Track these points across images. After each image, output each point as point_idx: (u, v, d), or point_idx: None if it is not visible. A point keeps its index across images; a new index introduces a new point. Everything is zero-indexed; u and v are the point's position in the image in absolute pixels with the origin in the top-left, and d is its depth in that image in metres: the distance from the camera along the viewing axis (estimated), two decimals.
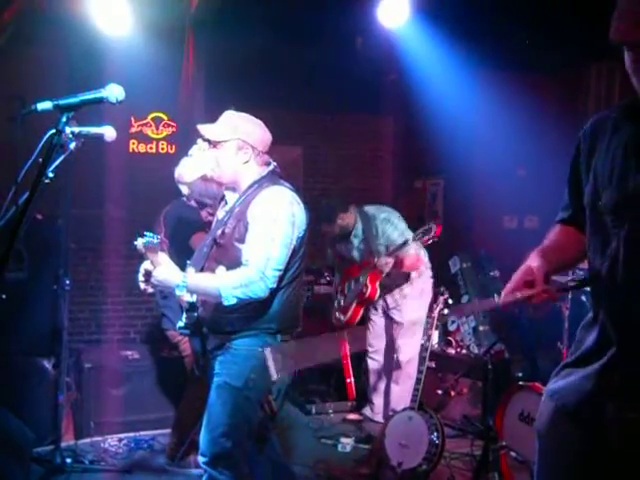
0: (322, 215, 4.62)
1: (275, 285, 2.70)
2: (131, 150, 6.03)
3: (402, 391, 4.62)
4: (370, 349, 4.96)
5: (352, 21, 5.29)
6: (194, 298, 2.75)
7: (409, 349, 4.67)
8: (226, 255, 2.76)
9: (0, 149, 4.59)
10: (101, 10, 4.77)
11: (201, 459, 2.80)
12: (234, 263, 2.71)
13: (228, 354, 2.77)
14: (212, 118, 2.99)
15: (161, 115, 6.12)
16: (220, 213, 2.99)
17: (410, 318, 4.69)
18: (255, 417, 2.82)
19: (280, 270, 2.71)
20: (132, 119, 6.04)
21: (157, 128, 6.14)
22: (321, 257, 5.04)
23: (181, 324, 2.88)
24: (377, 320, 4.89)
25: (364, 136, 6.91)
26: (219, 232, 2.82)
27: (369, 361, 4.97)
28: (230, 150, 2.84)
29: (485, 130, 5.96)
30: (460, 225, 6.26)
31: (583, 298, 4.43)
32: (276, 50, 5.63)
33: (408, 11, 5.03)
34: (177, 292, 2.63)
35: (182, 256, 3.98)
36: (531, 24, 5.07)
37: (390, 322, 4.82)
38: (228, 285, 2.64)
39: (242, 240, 2.72)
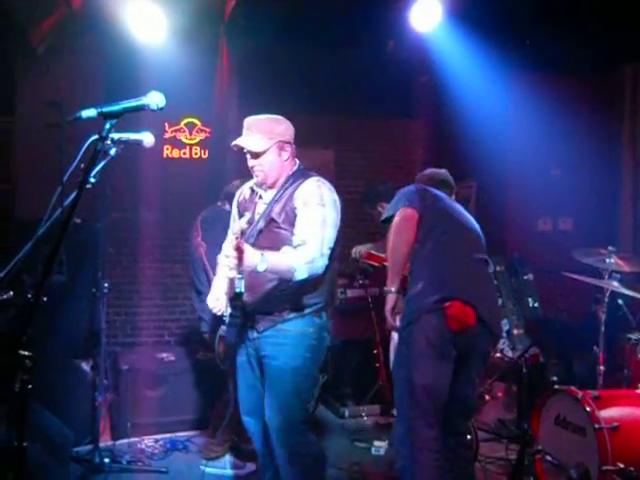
0: (366, 196, 4.74)
1: (328, 262, 2.92)
2: (165, 156, 6.11)
3: None
4: None
5: (384, 25, 5.30)
6: (242, 287, 2.78)
7: None
8: (273, 239, 2.94)
9: (40, 153, 4.75)
10: (136, 18, 4.85)
11: (276, 435, 2.96)
12: (281, 245, 2.89)
13: (280, 336, 2.95)
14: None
15: (194, 120, 6.19)
16: (260, 207, 3.08)
17: None
18: (313, 388, 3.10)
19: (331, 249, 2.94)
20: (166, 125, 6.11)
21: (190, 133, 6.21)
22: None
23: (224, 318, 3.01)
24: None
25: (396, 139, 6.90)
26: (263, 221, 2.99)
27: None
28: (273, 154, 3.01)
29: (518, 132, 5.92)
30: (493, 228, 6.20)
31: (620, 301, 4.38)
32: (308, 54, 5.66)
33: (440, 14, 5.03)
34: (259, 268, 2.69)
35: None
36: (564, 25, 5.03)
37: None
38: (300, 261, 2.82)
39: (289, 224, 2.93)
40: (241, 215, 3.14)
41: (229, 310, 3.05)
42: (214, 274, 4.02)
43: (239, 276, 2.70)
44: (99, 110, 2.00)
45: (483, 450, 4.10)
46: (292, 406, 2.99)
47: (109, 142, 2.07)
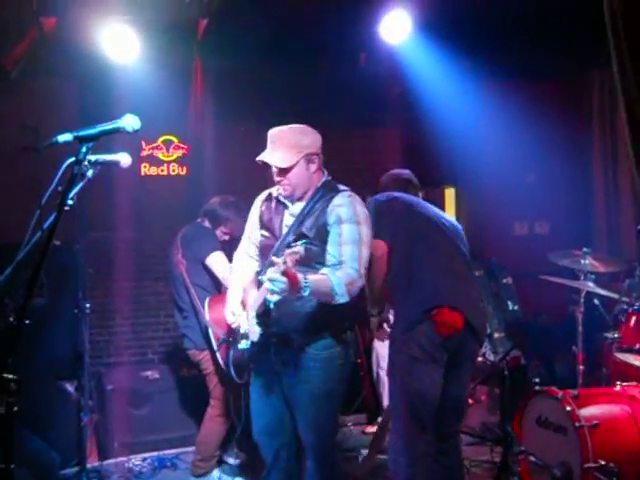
0: (386, 184, 4.76)
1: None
2: (142, 173, 6.11)
3: None
4: (381, 360, 5.00)
5: (355, 38, 5.37)
6: (273, 301, 2.75)
7: None
8: (306, 256, 2.74)
9: (17, 177, 4.75)
10: (109, 39, 4.87)
11: (311, 456, 2.98)
12: (313, 260, 2.81)
13: (310, 360, 2.88)
14: (222, 138, 3.07)
15: (171, 138, 6.20)
16: (287, 219, 2.99)
17: None
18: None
19: (366, 268, 2.88)
20: (143, 142, 6.13)
21: (168, 150, 6.22)
22: None
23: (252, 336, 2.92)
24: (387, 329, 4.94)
25: (372, 149, 6.96)
26: (293, 235, 2.87)
27: (380, 372, 5.01)
28: (301, 168, 2.91)
29: (492, 139, 6.02)
30: (471, 233, 6.29)
31: (596, 301, 4.47)
32: (281, 69, 5.70)
33: (410, 26, 5.10)
34: (303, 293, 2.62)
35: (199, 275, 4.08)
36: (533, 32, 5.13)
37: None
38: (340, 282, 2.74)
39: (320, 240, 2.84)
40: (264, 225, 3.06)
41: (250, 326, 2.94)
42: (195, 291, 4.06)
43: (276, 298, 2.65)
44: (75, 134, 2.03)
45: (468, 453, 4.15)
46: (327, 427, 3.02)
47: (86, 164, 2.09)
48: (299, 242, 2.62)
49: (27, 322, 1.92)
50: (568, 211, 6.26)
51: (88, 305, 4.23)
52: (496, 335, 5.28)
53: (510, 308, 5.37)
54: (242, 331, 3.02)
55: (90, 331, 4.41)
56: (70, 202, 2.06)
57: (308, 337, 2.88)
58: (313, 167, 2.94)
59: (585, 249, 4.17)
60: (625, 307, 4.08)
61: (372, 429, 5.04)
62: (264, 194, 3.17)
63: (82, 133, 2.04)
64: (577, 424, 3.37)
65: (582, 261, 4.12)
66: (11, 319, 2.04)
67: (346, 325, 2.97)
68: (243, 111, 5.65)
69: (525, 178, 6.39)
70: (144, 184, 6.02)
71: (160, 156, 6.19)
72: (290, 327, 2.87)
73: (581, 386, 3.93)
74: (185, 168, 6.21)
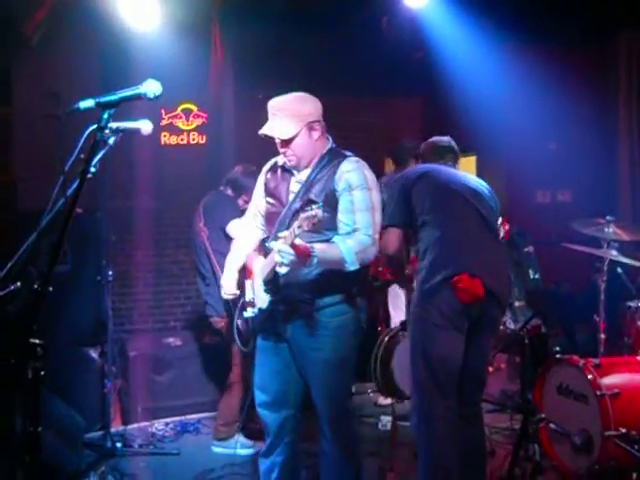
0: (397, 155, 4.91)
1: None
2: (163, 143, 6.11)
3: None
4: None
5: (377, 2, 5.29)
6: (283, 271, 2.72)
7: None
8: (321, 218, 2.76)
9: (40, 145, 4.77)
10: (130, 6, 4.85)
11: (329, 426, 2.97)
12: (322, 226, 2.73)
13: (322, 327, 2.87)
14: (242, 106, 3.03)
15: (190, 106, 6.18)
16: (293, 186, 2.97)
17: None
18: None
19: (378, 233, 2.89)
20: (162, 112, 6.11)
21: (187, 119, 6.21)
22: None
23: (259, 303, 2.92)
24: (399, 292, 4.93)
25: (394, 116, 6.90)
26: (300, 201, 2.85)
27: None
28: (304, 137, 2.88)
29: (515, 105, 5.92)
30: None
31: (619, 270, 4.42)
32: (302, 36, 5.64)
33: None
34: (311, 263, 2.62)
35: (221, 242, 4.11)
36: None
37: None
38: (350, 251, 2.73)
39: (329, 205, 2.79)
40: (269, 193, 3.03)
41: (257, 292, 2.95)
42: (217, 259, 4.08)
43: (285, 269, 2.65)
44: (97, 101, 2.02)
45: (488, 421, 4.14)
46: (342, 394, 3.02)
47: (108, 131, 2.09)
48: (314, 206, 2.56)
49: (50, 289, 1.93)
50: (591, 179, 6.16)
51: (111, 272, 4.28)
52: (517, 304, 5.24)
53: (531, 277, 5.32)
54: (247, 299, 3.03)
55: (112, 299, 4.47)
56: (92, 170, 2.06)
57: (317, 303, 2.86)
58: (316, 134, 2.91)
59: (608, 217, 4.11)
60: None
61: (385, 401, 5.02)
62: (270, 163, 3.15)
63: (104, 99, 2.03)
64: (598, 393, 3.38)
65: (605, 229, 4.07)
66: (35, 286, 2.05)
67: (355, 291, 2.93)
68: (262, 78, 5.60)
69: (548, 146, 6.29)
70: (165, 153, 6.03)
71: (180, 125, 6.18)
72: (298, 293, 2.86)
73: (602, 355, 3.91)
74: (205, 137, 6.20)
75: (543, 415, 3.64)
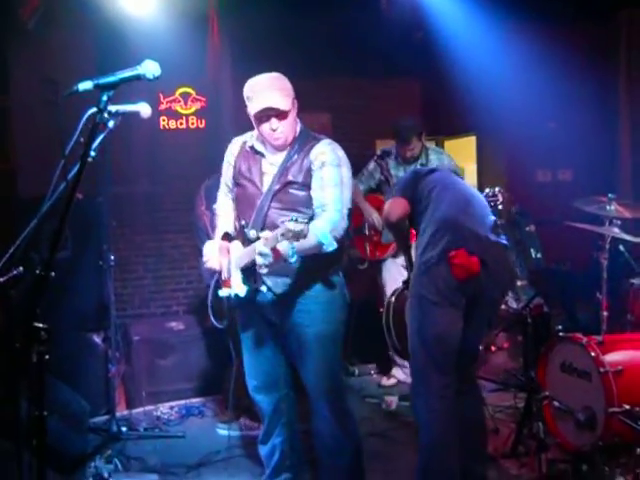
0: (399, 134, 4.78)
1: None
2: (162, 127, 6.08)
3: None
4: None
5: None
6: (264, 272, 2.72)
7: None
8: (290, 201, 2.89)
9: (38, 131, 4.75)
10: None
11: (325, 403, 3.00)
12: (301, 206, 2.86)
13: (310, 303, 2.93)
14: (240, 90, 3.00)
15: (189, 90, 6.14)
16: (265, 167, 3.00)
17: None
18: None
19: (349, 209, 2.95)
20: (160, 96, 6.08)
21: (186, 103, 6.18)
22: None
23: (235, 289, 2.90)
24: (392, 265, 4.93)
25: (393, 98, 6.86)
26: (278, 183, 2.91)
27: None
28: (293, 114, 2.93)
29: (515, 85, 5.89)
30: (493, 182, 6.23)
31: (621, 248, 4.42)
32: (300, 16, 5.59)
33: None
34: (292, 260, 2.62)
35: None
36: None
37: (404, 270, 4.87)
38: (324, 231, 2.72)
39: (306, 186, 2.90)
40: (242, 175, 3.02)
41: (235, 280, 2.93)
42: None
43: (265, 270, 2.66)
44: (95, 82, 2.00)
45: (491, 400, 4.19)
46: (335, 369, 3.06)
47: (107, 114, 2.07)
48: (300, 218, 2.53)
49: (52, 274, 1.93)
50: (592, 158, 6.14)
51: (112, 257, 4.28)
52: (519, 283, 5.24)
53: (533, 256, 5.30)
54: (223, 277, 3.02)
55: (114, 284, 4.48)
56: (93, 154, 2.05)
57: (302, 282, 2.91)
58: (295, 113, 2.96)
59: (610, 195, 4.10)
60: None
61: (388, 382, 5.03)
62: (237, 143, 3.13)
63: (102, 81, 2.01)
64: (602, 370, 3.38)
65: (607, 207, 4.05)
66: (37, 271, 2.05)
67: (336, 266, 3.01)
68: (260, 61, 5.52)
69: (548, 125, 6.27)
70: (164, 138, 6.00)
71: (178, 109, 6.15)
72: (282, 277, 2.89)
73: (605, 332, 3.91)
74: (204, 121, 6.17)
75: (547, 393, 3.66)
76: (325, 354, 2.99)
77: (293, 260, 2.60)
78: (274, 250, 2.58)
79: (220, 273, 3.05)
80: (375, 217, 4.87)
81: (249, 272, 2.85)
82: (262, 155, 3.02)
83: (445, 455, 3.05)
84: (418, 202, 3.30)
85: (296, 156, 2.94)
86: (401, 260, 4.82)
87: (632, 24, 5.89)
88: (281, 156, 2.98)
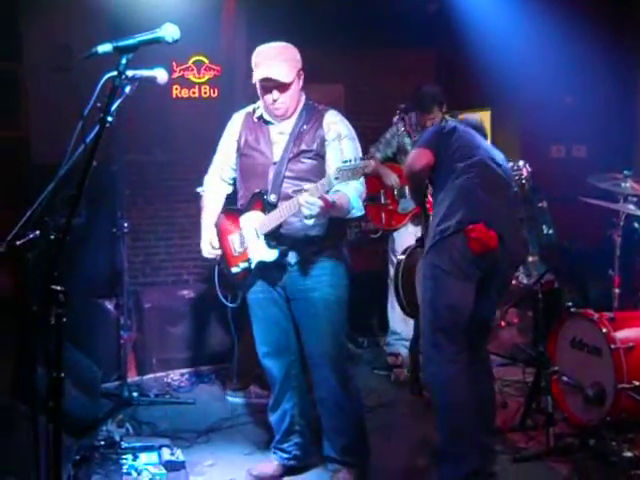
0: (420, 102, 4.71)
1: None
2: (174, 95, 6.05)
3: None
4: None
5: None
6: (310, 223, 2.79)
7: None
8: (303, 170, 2.94)
9: (51, 98, 4.75)
10: None
11: (328, 369, 3.06)
12: (312, 174, 2.88)
13: (317, 268, 2.99)
14: None
15: (202, 58, 6.10)
16: (274, 137, 3.02)
17: None
18: None
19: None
20: (174, 64, 6.04)
21: (199, 72, 6.14)
22: None
23: (262, 256, 2.95)
24: (405, 233, 4.91)
25: (407, 70, 6.78)
26: (291, 152, 2.95)
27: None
28: (296, 84, 2.95)
29: (530, 58, 5.82)
30: (507, 156, 6.19)
31: (635, 225, 4.40)
32: None
33: None
34: (330, 215, 2.79)
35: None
36: None
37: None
38: (356, 197, 2.90)
39: (319, 155, 2.95)
40: (249, 145, 3.05)
41: (260, 247, 2.97)
42: None
43: (312, 221, 2.74)
44: (115, 45, 1.99)
45: (500, 374, 4.22)
46: (340, 335, 3.12)
47: (124, 78, 2.06)
48: (348, 164, 2.62)
49: (66, 240, 1.94)
50: (607, 134, 6.08)
51: (126, 225, 4.30)
52: (530, 259, 5.22)
53: (545, 232, 5.28)
54: (235, 254, 3.05)
55: (127, 252, 4.50)
56: (110, 119, 2.04)
57: (313, 247, 2.97)
58: (301, 83, 2.99)
59: (626, 172, 4.07)
60: None
61: (396, 361, 4.93)
62: (241, 114, 3.16)
63: (121, 43, 2.00)
64: (612, 346, 3.39)
65: (622, 184, 4.03)
66: (52, 237, 2.06)
67: (344, 234, 3.16)
68: (275, 31, 5.49)
69: (563, 99, 6.20)
70: (176, 107, 5.97)
71: (191, 78, 6.11)
72: (298, 240, 2.94)
73: (617, 309, 3.91)
74: (216, 90, 6.13)
75: (556, 368, 3.67)
76: (331, 318, 3.04)
77: (333, 214, 2.75)
78: (323, 199, 2.64)
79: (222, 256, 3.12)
80: (394, 179, 4.81)
81: (273, 236, 2.91)
82: (270, 124, 3.03)
83: (464, 414, 3.05)
84: (440, 162, 3.25)
85: (306, 126, 2.97)
86: (414, 229, 4.83)
87: None
88: (289, 125, 3.00)
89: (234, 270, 3.06)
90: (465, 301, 3.09)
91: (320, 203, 2.63)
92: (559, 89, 6.03)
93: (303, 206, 2.65)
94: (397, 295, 4.29)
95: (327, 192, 2.69)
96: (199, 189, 3.33)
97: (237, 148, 3.12)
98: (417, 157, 3.26)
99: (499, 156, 3.40)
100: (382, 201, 4.88)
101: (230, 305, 3.23)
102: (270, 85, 2.88)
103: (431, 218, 3.31)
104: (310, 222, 2.74)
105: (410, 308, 4.20)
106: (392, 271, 4.71)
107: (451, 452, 3.06)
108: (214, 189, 3.26)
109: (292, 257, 2.98)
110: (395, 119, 4.92)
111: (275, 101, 2.92)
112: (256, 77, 2.89)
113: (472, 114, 3.71)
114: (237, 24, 5.76)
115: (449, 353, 3.06)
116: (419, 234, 4.74)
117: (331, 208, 2.71)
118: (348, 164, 2.59)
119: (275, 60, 2.86)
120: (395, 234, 4.92)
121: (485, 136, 3.58)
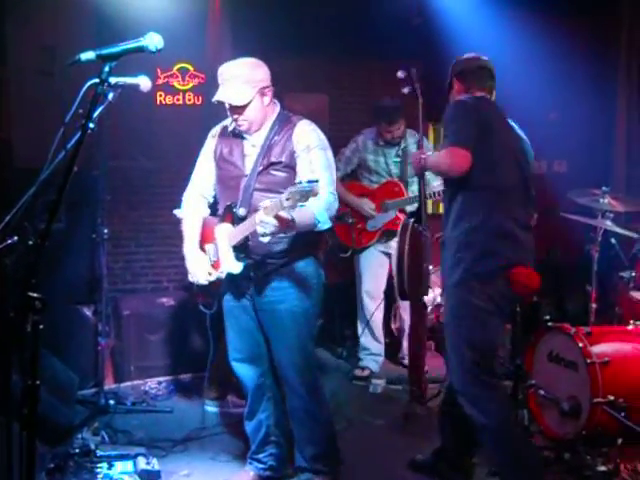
0: (385, 113, 4.74)
1: None
2: (158, 102, 6.04)
3: None
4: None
5: None
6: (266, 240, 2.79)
7: None
8: (272, 182, 2.95)
9: (34, 102, 4.72)
10: None
11: (297, 374, 3.09)
12: (281, 187, 2.82)
13: (285, 280, 3.01)
14: None
15: (187, 66, 6.10)
16: (247, 149, 3.05)
17: None
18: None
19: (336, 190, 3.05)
20: (158, 70, 6.03)
21: (183, 79, 6.13)
22: None
23: (229, 267, 2.96)
24: (372, 253, 4.92)
25: (391, 82, 6.82)
26: (261, 165, 2.98)
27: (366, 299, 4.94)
28: (257, 102, 2.96)
29: (515, 74, 5.86)
30: None
31: (613, 241, 4.46)
32: None
33: None
34: (289, 233, 2.80)
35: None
36: None
37: (387, 259, 4.89)
38: (321, 210, 2.87)
39: (289, 167, 2.97)
40: (223, 158, 3.08)
41: (228, 259, 2.99)
42: None
43: (268, 239, 2.74)
44: (98, 53, 1.99)
45: None
46: (307, 345, 3.12)
47: (107, 86, 2.06)
48: (313, 183, 2.58)
49: (30, 242, 1.94)
50: (588, 150, 6.16)
51: (106, 231, 4.28)
52: None
53: None
54: (210, 262, 3.07)
55: (107, 258, 4.47)
56: (91, 125, 2.04)
57: (282, 260, 2.99)
58: (267, 99, 3.00)
59: (604, 188, 4.14)
60: None
61: (363, 373, 4.93)
62: (218, 128, 3.20)
63: (105, 51, 2.00)
64: (588, 360, 3.42)
65: (601, 200, 4.09)
66: (30, 242, 2.05)
67: (317, 247, 3.10)
68: (260, 39, 5.53)
69: (547, 116, 6.27)
70: (160, 113, 5.96)
71: (175, 85, 6.10)
72: (265, 253, 2.96)
73: (593, 324, 3.96)
74: (201, 97, 6.13)
75: (533, 381, 3.71)
76: (298, 329, 3.06)
77: (293, 232, 2.74)
78: (278, 217, 2.63)
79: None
80: (369, 208, 4.81)
81: (241, 249, 2.93)
82: (242, 137, 3.07)
83: (517, 431, 3.07)
84: (473, 163, 2.92)
85: (277, 137, 3.00)
86: (381, 247, 4.85)
87: (632, 18, 5.88)
88: (261, 137, 3.03)
89: (211, 278, 3.08)
90: (498, 337, 3.07)
91: (274, 222, 2.63)
92: (542, 105, 6.10)
93: (257, 224, 2.68)
94: (399, 274, 4.18)
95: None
96: (176, 211, 3.31)
97: (214, 160, 3.16)
98: (459, 160, 2.90)
99: (526, 145, 3.32)
100: (349, 221, 4.85)
101: (206, 312, 3.23)
102: (229, 106, 2.95)
103: (450, 228, 3.06)
104: (265, 240, 2.75)
105: (410, 290, 4.14)
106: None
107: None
108: (193, 206, 3.25)
109: (258, 269, 3.01)
110: (348, 151, 4.91)
111: (236, 119, 2.98)
112: (213, 99, 2.95)
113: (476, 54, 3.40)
114: (222, 32, 5.76)
115: (494, 386, 3.00)
116: (389, 251, 4.81)
117: (288, 227, 2.69)
118: (297, 187, 2.56)
119: (230, 82, 2.90)
120: (361, 254, 4.92)
121: (494, 83, 3.33)
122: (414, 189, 4.75)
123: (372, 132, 4.87)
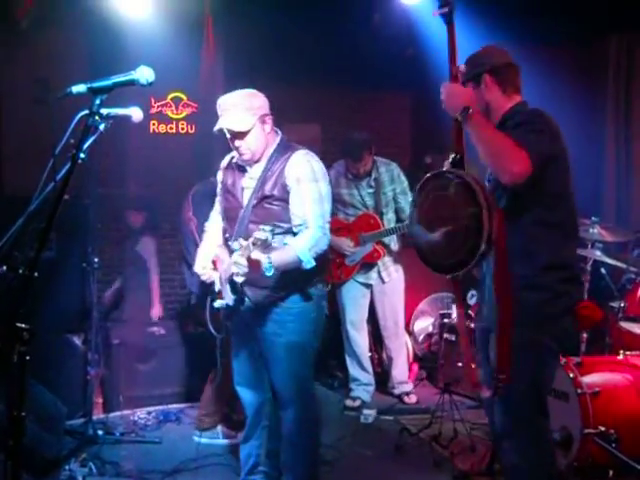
0: (352, 149, 4.73)
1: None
2: (152, 131, 6.09)
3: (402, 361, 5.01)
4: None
5: None
6: (240, 280, 2.82)
7: (401, 312, 4.97)
8: (266, 215, 2.95)
9: (28, 131, 4.73)
10: None
11: (292, 405, 3.08)
12: (277, 220, 2.90)
13: (283, 313, 3.01)
14: None
15: (180, 95, 6.17)
16: (245, 182, 3.09)
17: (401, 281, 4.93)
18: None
19: (329, 222, 3.03)
20: (152, 99, 6.09)
21: (177, 108, 6.19)
22: None
23: (226, 299, 2.99)
24: (352, 286, 4.92)
25: (383, 112, 6.91)
26: (255, 198, 2.99)
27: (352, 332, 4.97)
28: (257, 130, 2.98)
29: None
30: None
31: (603, 271, 4.47)
32: (294, 28, 5.62)
33: None
34: (267, 274, 2.64)
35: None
36: None
37: (368, 289, 4.91)
38: (304, 249, 2.85)
39: (282, 200, 2.97)
40: (227, 190, 3.13)
41: (223, 290, 3.04)
42: None
43: (241, 279, 2.76)
44: (89, 86, 2.01)
45: (469, 417, 4.20)
46: (303, 377, 3.13)
47: (98, 117, 2.08)
48: (266, 228, 2.60)
49: (35, 275, 1.93)
50: (577, 180, 6.17)
51: (96, 260, 4.27)
52: None
53: None
54: (217, 290, 3.12)
55: (97, 286, 4.46)
56: (82, 155, 2.05)
57: (279, 294, 2.99)
58: (267, 127, 3.02)
59: (593, 218, 4.17)
60: (633, 276, 4.11)
61: (354, 403, 4.90)
62: (226, 160, 3.25)
63: (96, 84, 2.03)
64: (579, 391, 3.42)
65: (590, 230, 4.12)
66: (20, 271, 2.04)
67: (315, 279, 3.06)
68: (253, 69, 5.59)
69: None
70: (153, 142, 6.00)
71: (169, 114, 6.17)
72: (261, 288, 2.96)
73: (584, 354, 3.96)
74: (194, 126, 6.19)
75: None
76: (294, 361, 3.06)
77: (270, 273, 2.64)
78: (249, 260, 2.64)
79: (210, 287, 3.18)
80: (348, 246, 4.80)
81: (234, 282, 2.93)
82: (244, 170, 3.11)
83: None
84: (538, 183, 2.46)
85: (272, 170, 3.01)
86: (361, 278, 4.87)
87: (620, 49, 5.97)
88: (259, 169, 3.06)
89: (216, 305, 3.10)
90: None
91: (245, 263, 2.65)
92: None
93: (232, 265, 2.71)
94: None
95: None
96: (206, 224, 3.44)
97: (222, 191, 3.22)
98: (524, 162, 2.38)
99: None
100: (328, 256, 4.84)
101: (217, 336, 3.24)
102: (231, 134, 2.98)
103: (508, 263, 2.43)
104: (239, 279, 2.77)
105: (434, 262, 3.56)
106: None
107: None
108: (215, 226, 3.35)
109: (252, 302, 3.01)
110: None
111: (239, 147, 3.00)
112: (215, 129, 2.98)
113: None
114: (215, 62, 5.84)
115: (546, 427, 2.74)
116: (369, 282, 4.86)
117: (260, 270, 2.63)
118: (260, 233, 2.57)
119: (231, 110, 2.94)
120: (341, 287, 4.91)
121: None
122: (390, 217, 4.80)
123: (341, 166, 4.89)
